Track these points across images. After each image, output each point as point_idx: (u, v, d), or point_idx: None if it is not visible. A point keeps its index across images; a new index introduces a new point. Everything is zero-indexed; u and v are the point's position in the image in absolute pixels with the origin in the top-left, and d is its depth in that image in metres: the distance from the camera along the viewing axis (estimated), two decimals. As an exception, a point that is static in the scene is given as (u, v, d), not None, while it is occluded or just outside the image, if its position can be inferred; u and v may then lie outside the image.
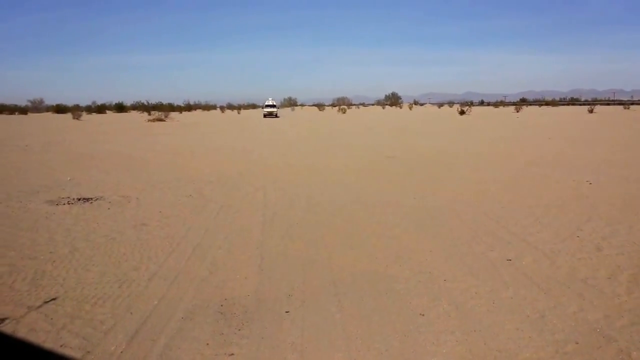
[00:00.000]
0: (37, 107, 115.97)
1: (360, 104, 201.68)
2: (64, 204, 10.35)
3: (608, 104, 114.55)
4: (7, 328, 4.65)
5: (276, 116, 75.15)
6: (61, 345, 4.32)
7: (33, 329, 4.63)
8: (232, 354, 4.21)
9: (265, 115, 74.97)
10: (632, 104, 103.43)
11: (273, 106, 78.43)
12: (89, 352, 4.22)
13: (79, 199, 10.86)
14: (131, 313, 5.01)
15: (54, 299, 5.34)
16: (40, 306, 5.16)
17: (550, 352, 4.22)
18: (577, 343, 4.37)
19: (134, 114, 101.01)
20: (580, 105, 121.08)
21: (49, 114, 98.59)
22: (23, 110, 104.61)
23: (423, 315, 4.97)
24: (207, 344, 4.38)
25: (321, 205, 10.03)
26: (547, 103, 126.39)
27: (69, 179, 13.83)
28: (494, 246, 7.19)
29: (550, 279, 5.93)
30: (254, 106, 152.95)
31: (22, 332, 4.58)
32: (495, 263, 6.49)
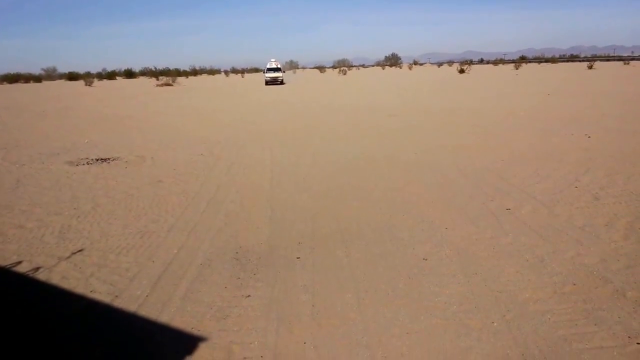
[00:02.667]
0: (50, 75, 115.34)
1: (361, 65, 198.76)
2: (83, 164, 10.49)
3: (608, 60, 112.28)
4: (42, 276, 4.85)
5: (281, 83, 54.64)
6: (91, 291, 4.50)
7: (65, 277, 4.82)
8: (249, 296, 4.37)
9: (267, 82, 54.10)
10: (632, 59, 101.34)
11: (277, 70, 55.86)
12: (116, 296, 4.40)
13: (97, 160, 10.99)
14: (153, 261, 5.18)
15: (80, 250, 5.52)
16: (69, 257, 5.34)
17: (548, 292, 4.34)
18: (574, 284, 4.48)
19: (142, 79, 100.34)
20: (580, 61, 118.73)
21: (62, 82, 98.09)
22: (37, 79, 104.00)
23: (426, 260, 5.10)
24: (225, 287, 4.54)
25: (326, 162, 10.10)
26: (547, 60, 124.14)
27: (86, 141, 13.94)
28: (494, 197, 7.27)
29: (549, 226, 6.01)
30: (256, 70, 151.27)
31: (55, 279, 4.77)
32: (495, 212, 6.57)
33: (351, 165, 9.69)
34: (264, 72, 60.26)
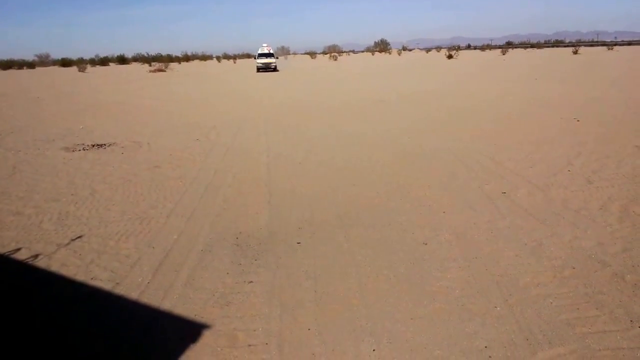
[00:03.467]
0: (43, 61, 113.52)
1: (351, 51, 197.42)
2: (80, 150, 10.27)
3: (592, 46, 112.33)
4: (41, 263, 4.70)
5: (274, 69, 49.98)
6: (92, 278, 4.37)
7: (64, 264, 4.68)
8: (251, 282, 4.26)
9: (259, 69, 49.71)
10: (615, 44, 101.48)
11: (269, 55, 50.96)
12: (118, 283, 4.27)
13: (93, 145, 10.77)
14: (153, 247, 5.05)
15: (80, 237, 5.37)
16: (68, 243, 5.19)
17: (548, 276, 4.27)
18: (573, 268, 4.42)
19: (135, 65, 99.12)
20: (565, 47, 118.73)
21: (55, 68, 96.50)
22: (31, 65, 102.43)
23: (426, 244, 5.01)
24: (227, 273, 4.43)
25: (322, 147, 9.96)
26: (532, 45, 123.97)
27: (81, 127, 13.68)
28: (489, 181, 7.19)
29: (545, 210, 5.94)
30: (248, 56, 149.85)
31: (55, 266, 4.64)
32: (491, 196, 6.49)
33: (347, 150, 9.56)
34: (255, 58, 56.03)
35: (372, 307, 3.82)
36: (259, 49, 52.57)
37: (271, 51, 52.14)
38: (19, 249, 5.07)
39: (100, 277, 4.41)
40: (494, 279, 4.25)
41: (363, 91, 22.52)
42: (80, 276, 4.43)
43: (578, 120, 12.07)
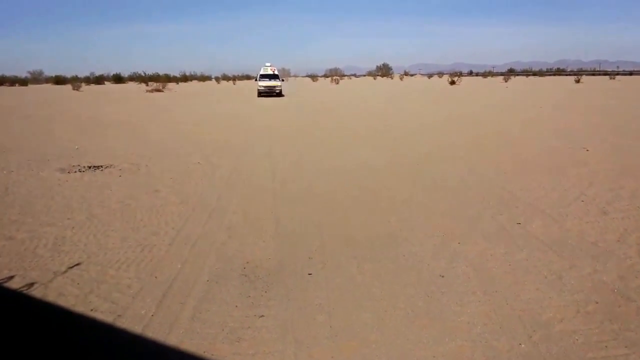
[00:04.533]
0: (36, 78, 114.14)
1: (352, 75, 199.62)
2: (76, 172, 10.16)
3: (593, 74, 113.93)
4: (37, 292, 4.54)
5: (279, 94, 42.54)
6: (91, 310, 4.21)
7: (62, 294, 4.52)
8: (262, 316, 4.12)
9: (260, 93, 42.20)
10: (617, 74, 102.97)
11: (274, 77, 43.70)
12: (119, 315, 4.12)
13: (90, 167, 10.66)
14: (156, 277, 4.91)
15: (78, 264, 5.23)
16: (65, 271, 5.04)
17: (572, 311, 4.16)
18: (597, 303, 4.31)
19: (131, 84, 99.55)
20: (566, 75, 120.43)
21: (49, 85, 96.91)
22: (23, 82, 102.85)
23: (443, 276, 4.90)
24: (236, 306, 4.29)
25: (329, 172, 9.89)
26: (534, 73, 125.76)
27: (76, 147, 13.58)
28: (502, 210, 7.11)
29: (561, 241, 5.86)
30: (247, 77, 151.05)
31: (52, 296, 4.48)
32: (506, 226, 6.41)
33: (355, 175, 9.49)
34: (256, 80, 46.82)
35: (391, 344, 3.69)
36: (261, 69, 44.76)
37: (276, 72, 44.79)
38: (12, 277, 4.91)
39: (100, 308, 4.25)
40: (516, 314, 4.14)
41: (371, 115, 22.57)
42: (79, 307, 4.27)
43: (587, 150, 12.08)
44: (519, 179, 9.00)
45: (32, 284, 4.71)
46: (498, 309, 4.23)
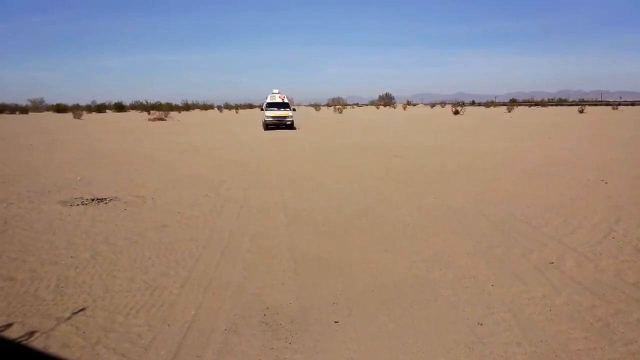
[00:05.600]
0: (37, 106, 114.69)
1: (355, 104, 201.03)
2: (78, 205, 9.83)
3: (595, 105, 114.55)
4: (38, 343, 4.16)
5: (290, 126, 36.47)
6: (100, 364, 3.84)
7: (66, 344, 4.15)
8: (289, 372, 3.74)
9: (268, 125, 36.17)
10: (620, 104, 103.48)
11: (284, 106, 37.57)
12: (131, 371, 3.74)
13: (93, 200, 10.34)
14: (169, 325, 4.54)
15: (82, 310, 4.86)
16: (69, 317, 4.67)
17: (630, 366, 3.79)
18: (655, 355, 3.94)
19: (133, 113, 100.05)
20: (568, 105, 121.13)
21: (50, 114, 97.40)
22: (24, 110, 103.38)
23: (481, 324, 4.53)
24: (259, 360, 3.91)
25: (344, 206, 9.56)
26: (537, 103, 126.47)
27: (79, 178, 13.30)
28: (532, 249, 6.77)
29: (600, 283, 5.51)
30: (250, 106, 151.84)
31: (55, 347, 4.10)
32: (539, 266, 6.06)
33: (372, 211, 9.17)
34: (262, 109, 40.09)
35: (437, 409, 3.31)
36: (268, 97, 38.54)
37: (285, 100, 38.32)
38: (10, 325, 4.52)
39: (110, 362, 3.88)
40: (568, 369, 3.76)
41: (380, 145, 22.37)
42: (86, 361, 3.90)
43: (606, 183, 11.78)
44: (543, 214, 8.67)
45: (32, 333, 4.34)
46: (549, 363, 3.85)
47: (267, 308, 4.92)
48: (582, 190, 10.85)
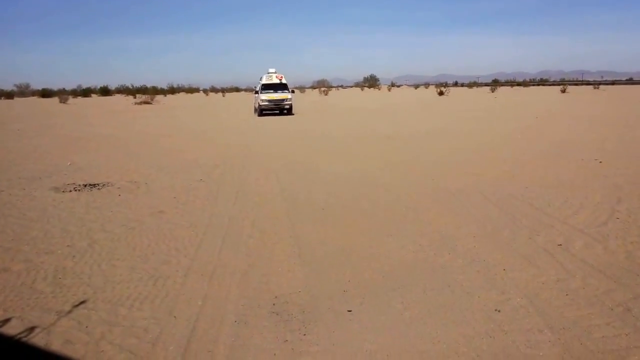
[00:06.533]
0: (23, 91, 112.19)
1: (339, 86, 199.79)
2: (71, 191, 9.46)
3: (576, 84, 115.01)
4: (39, 339, 3.87)
5: (289, 111, 32.36)
6: (107, 362, 3.56)
7: (68, 341, 3.85)
8: (308, 367, 3.50)
9: (263, 110, 31.57)
10: (600, 84, 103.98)
11: (282, 87, 32.79)
12: (140, 369, 3.47)
13: (85, 185, 9.96)
14: (175, 317, 4.27)
15: (83, 302, 4.57)
16: (70, 311, 4.38)
17: (659, 352, 3.61)
18: (682, 340, 3.77)
19: (119, 97, 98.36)
20: (550, 85, 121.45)
21: (35, 98, 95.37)
22: (9, 95, 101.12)
23: (499, 311, 4.32)
24: (275, 355, 3.67)
25: (343, 190, 9.29)
26: (519, 84, 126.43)
27: (68, 163, 12.87)
28: (538, 230, 6.58)
29: (612, 265, 5.33)
30: (237, 89, 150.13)
31: (57, 344, 3.81)
32: (547, 249, 5.87)
33: (370, 194, 8.93)
34: (255, 92, 35.02)
35: (467, 404, 3.10)
36: (263, 77, 33.25)
37: (284, 80, 33.26)
38: (8, 320, 4.21)
39: (116, 359, 3.61)
40: (595, 356, 3.57)
41: (371, 126, 22.08)
42: (90, 358, 3.62)
43: (600, 162, 11.65)
44: (544, 194, 8.49)
45: (32, 329, 4.04)
46: (574, 350, 3.66)
47: (276, 297, 4.67)
48: (578, 170, 10.70)
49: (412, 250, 5.93)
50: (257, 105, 32.51)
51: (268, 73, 33.61)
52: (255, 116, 31.99)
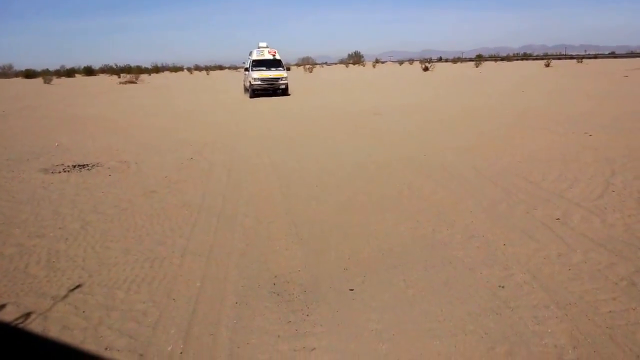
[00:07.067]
0: (6, 72, 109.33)
1: (324, 63, 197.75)
2: (60, 172, 9.19)
3: (560, 58, 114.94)
4: (36, 326, 3.71)
5: (284, 92, 27.98)
6: (106, 348, 3.42)
7: (66, 327, 3.70)
8: (314, 349, 3.40)
9: (255, 91, 27.16)
10: (584, 57, 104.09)
11: (276, 64, 28.40)
12: (142, 355, 3.34)
13: (74, 166, 9.69)
14: (174, 300, 4.13)
15: (79, 286, 4.41)
16: (66, 296, 4.22)
17: (667, 327, 3.56)
18: (690, 312, 3.72)
19: (103, 77, 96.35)
20: (533, 59, 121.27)
21: (19, 79, 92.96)
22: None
23: (503, 287, 4.25)
24: (279, 336, 3.56)
25: (335, 167, 9.14)
26: (503, 58, 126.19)
27: (56, 144, 12.52)
28: (535, 204, 6.50)
29: (612, 239, 5.28)
30: (220, 67, 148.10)
31: (54, 330, 3.66)
32: (546, 223, 5.80)
33: (365, 170, 8.79)
34: (245, 70, 30.46)
35: (478, 383, 3.02)
36: (253, 53, 28.77)
37: (277, 56, 28.87)
38: (4, 306, 4.05)
39: (116, 345, 3.46)
40: (604, 332, 3.51)
41: (359, 103, 21.82)
42: (89, 344, 3.47)
43: (590, 135, 11.60)
44: (537, 168, 8.41)
45: (28, 315, 3.88)
46: (582, 326, 3.60)
47: (276, 276, 4.55)
48: (569, 143, 10.63)
49: (410, 226, 5.82)
50: (247, 85, 28.45)
51: (259, 48, 29.17)
52: (245, 95, 29.36)
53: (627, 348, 3.32)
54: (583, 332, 3.53)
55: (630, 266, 4.59)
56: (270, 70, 27.64)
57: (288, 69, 29.12)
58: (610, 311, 3.80)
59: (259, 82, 26.79)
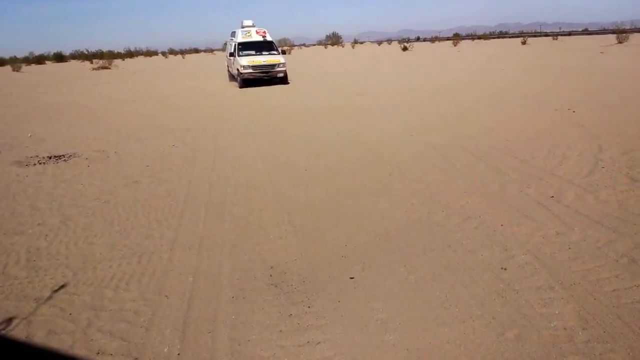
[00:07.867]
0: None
1: (302, 45, 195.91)
2: (35, 164, 8.82)
3: (535, 36, 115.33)
4: (19, 332, 3.48)
5: (283, 80, 22.51)
6: (98, 353, 3.22)
7: (52, 331, 3.49)
8: (319, 343, 3.25)
9: (245, 80, 21.67)
10: (558, 35, 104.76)
11: (268, 47, 23.32)
12: (136, 359, 3.15)
13: (50, 157, 9.31)
14: (167, 297, 3.93)
15: (63, 286, 4.17)
16: (50, 297, 3.99)
17: (673, 304, 3.51)
18: (695, 289, 3.67)
19: (74, 63, 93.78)
20: (510, 37, 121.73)
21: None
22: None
23: (505, 269, 4.16)
24: (281, 331, 3.40)
25: (323, 150, 8.93)
26: (480, 37, 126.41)
27: (29, 135, 12.06)
28: (527, 183, 6.44)
29: (607, 215, 5.23)
30: (196, 50, 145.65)
31: (40, 335, 3.44)
32: (541, 201, 5.74)
33: (354, 152, 8.63)
34: (230, 55, 24.66)
35: (491, 372, 2.91)
36: (238, 34, 23.89)
37: (268, 37, 24.12)
38: (-18, 311, 3.81)
39: (108, 349, 3.27)
40: (612, 312, 3.45)
41: (341, 84, 21.56)
42: (79, 349, 3.27)
43: (574, 111, 11.59)
44: (525, 146, 8.36)
45: (10, 320, 3.64)
46: (588, 306, 3.53)
47: (272, 267, 4.38)
48: (554, 120, 10.60)
49: (404, 209, 5.70)
50: (235, 73, 23.25)
51: (243, 27, 24.34)
52: (229, 82, 25.52)
53: (636, 327, 3.26)
54: (591, 312, 3.45)
55: (629, 242, 4.54)
56: (261, 54, 22.91)
57: (284, 53, 24.39)
58: (614, 289, 3.74)
59: (250, 70, 21.71)
